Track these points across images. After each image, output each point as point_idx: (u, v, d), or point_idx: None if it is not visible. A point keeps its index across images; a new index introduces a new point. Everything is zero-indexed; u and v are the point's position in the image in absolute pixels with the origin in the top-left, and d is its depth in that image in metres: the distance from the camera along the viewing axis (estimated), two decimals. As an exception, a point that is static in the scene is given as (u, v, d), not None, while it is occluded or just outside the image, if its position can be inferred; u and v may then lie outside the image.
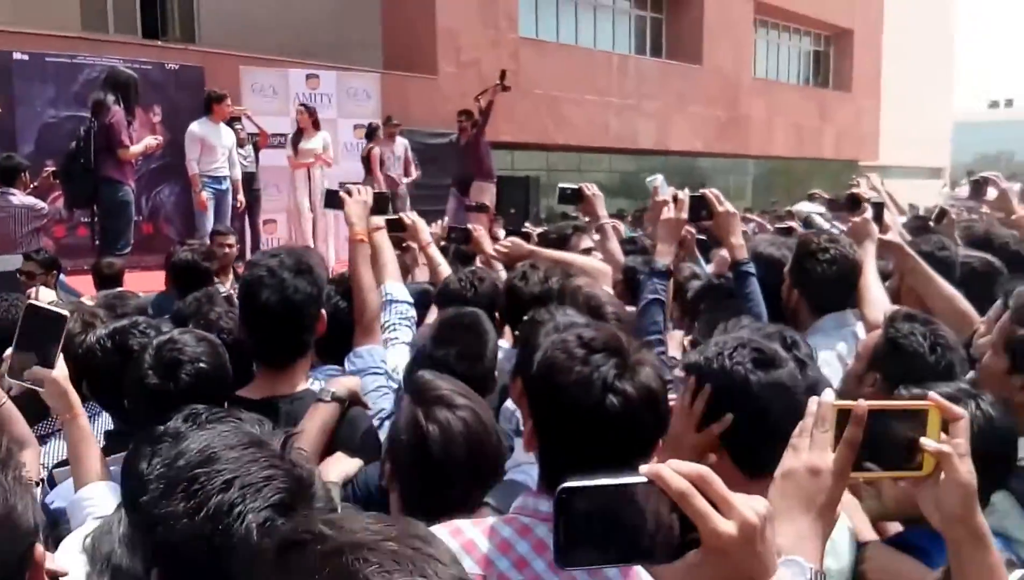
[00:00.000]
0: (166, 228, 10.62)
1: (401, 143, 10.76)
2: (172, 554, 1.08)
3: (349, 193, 2.96)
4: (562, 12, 18.40)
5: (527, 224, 10.39)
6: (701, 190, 3.03)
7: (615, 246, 3.88)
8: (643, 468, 0.87)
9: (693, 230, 4.29)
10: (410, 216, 3.64)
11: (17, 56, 9.54)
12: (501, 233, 10.11)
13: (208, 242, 6.83)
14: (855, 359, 2.36)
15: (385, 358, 2.51)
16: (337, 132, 11.39)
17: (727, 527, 0.86)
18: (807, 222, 5.69)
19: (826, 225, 4.95)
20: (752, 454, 1.53)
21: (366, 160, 10.49)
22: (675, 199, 2.92)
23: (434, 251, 3.56)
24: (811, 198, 8.49)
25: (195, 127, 8.66)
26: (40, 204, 7.47)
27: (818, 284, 2.85)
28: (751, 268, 2.91)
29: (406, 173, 10.78)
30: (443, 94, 13.74)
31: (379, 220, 3.02)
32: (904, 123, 26.83)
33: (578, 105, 17.08)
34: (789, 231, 5.25)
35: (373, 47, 14.58)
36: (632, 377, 1.40)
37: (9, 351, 1.90)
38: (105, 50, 10.78)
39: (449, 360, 2.11)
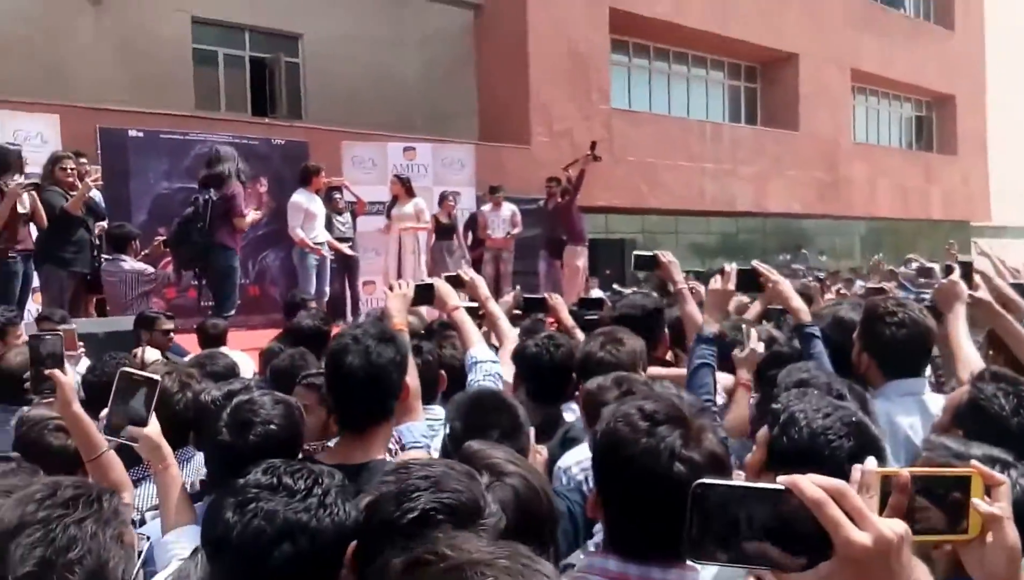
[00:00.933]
0: (271, 290, 10.80)
1: (509, 208, 11.01)
2: None
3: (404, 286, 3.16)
4: (655, 84, 18.42)
5: (615, 285, 10.20)
6: (752, 263, 3.09)
7: (693, 309, 3.73)
8: (781, 478, 0.87)
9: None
10: (468, 273, 3.59)
11: (132, 133, 9.95)
12: (597, 292, 9.80)
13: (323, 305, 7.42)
14: (943, 412, 2.28)
15: (424, 433, 2.53)
16: (434, 200, 11.45)
17: (862, 537, 0.85)
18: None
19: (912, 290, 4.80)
20: None
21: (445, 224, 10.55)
22: (722, 271, 3.01)
23: (493, 306, 3.49)
24: (907, 263, 8.42)
25: (299, 197, 8.94)
26: (149, 269, 7.60)
27: (887, 348, 2.73)
28: (815, 330, 2.93)
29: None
30: (536, 162, 13.72)
31: (456, 300, 3.18)
32: (1018, 183, 25.47)
33: (673, 171, 16.89)
34: (880, 292, 5.10)
35: (469, 118, 14.80)
36: (697, 445, 1.43)
37: (105, 411, 2.03)
38: (216, 127, 11.20)
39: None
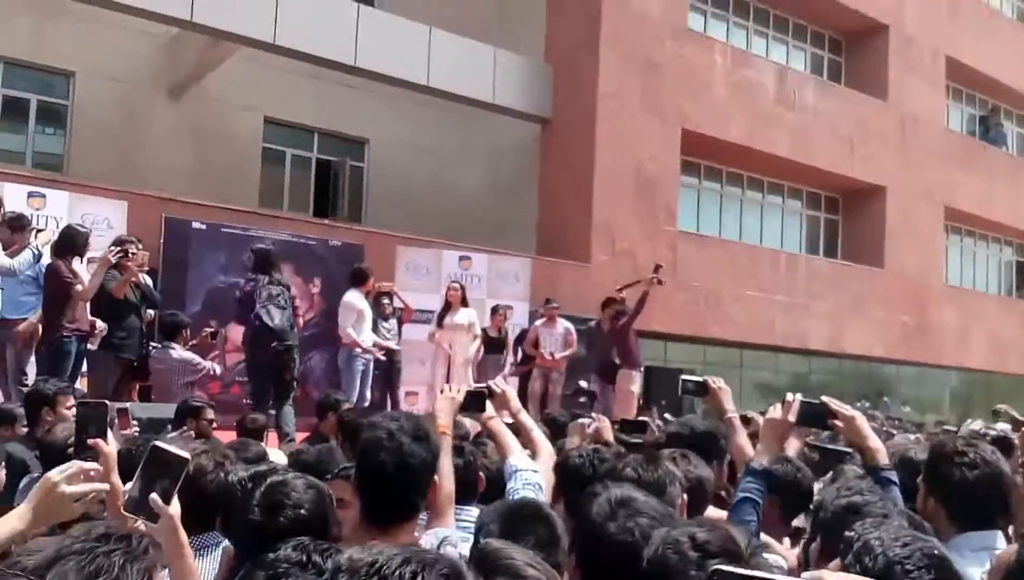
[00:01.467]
0: (314, 392, 11.58)
1: (563, 325, 11.47)
2: None
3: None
4: (726, 209, 18.96)
5: (666, 415, 10.56)
6: (821, 398, 3.11)
7: (743, 440, 3.86)
8: (805, 574, 0.97)
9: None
10: (499, 385, 3.74)
11: (196, 225, 11.17)
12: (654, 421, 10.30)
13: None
14: (989, 575, 2.25)
15: (459, 536, 2.70)
16: (486, 312, 12.20)
17: None
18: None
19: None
20: None
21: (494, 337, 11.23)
22: (783, 401, 3.08)
23: (524, 417, 3.66)
24: (996, 415, 8.19)
25: (352, 298, 9.79)
26: (197, 359, 8.55)
27: (955, 492, 2.66)
28: (892, 475, 2.93)
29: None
30: (594, 281, 14.35)
31: (492, 410, 3.48)
32: None
33: (739, 300, 17.27)
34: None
35: (527, 232, 15.70)
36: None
37: (129, 485, 2.09)
38: (277, 225, 12.38)
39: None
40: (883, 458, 2.98)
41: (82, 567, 1.40)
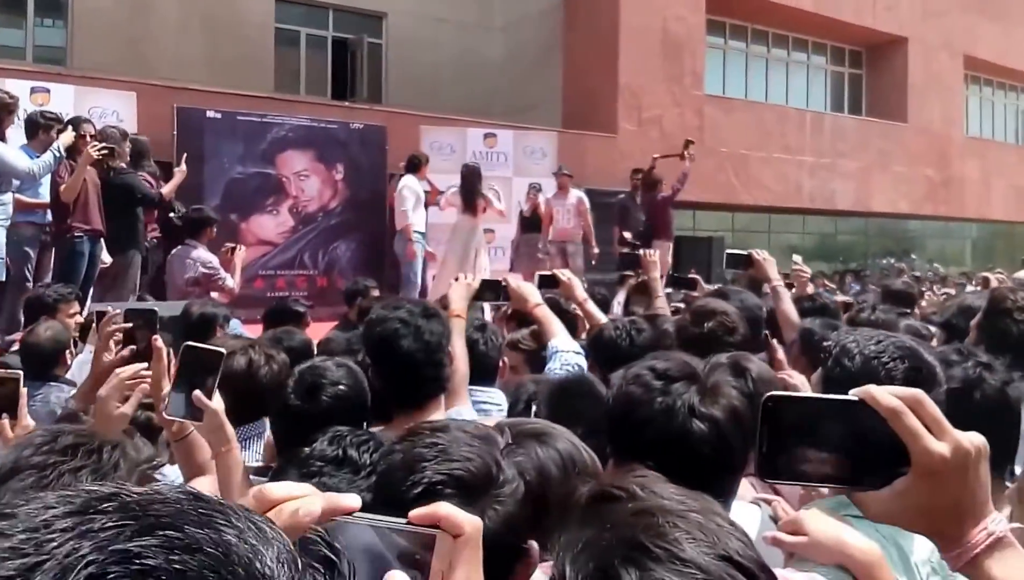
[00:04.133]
0: (340, 282, 10.64)
1: (575, 194, 10.44)
2: None
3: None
4: (751, 69, 17.63)
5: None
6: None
7: (789, 307, 3.76)
8: (855, 390, 0.86)
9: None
10: (565, 273, 3.69)
11: (210, 114, 9.91)
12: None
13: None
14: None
15: (473, 415, 2.57)
16: (512, 190, 11.20)
17: (940, 447, 0.84)
18: None
19: None
20: None
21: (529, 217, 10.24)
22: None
23: (592, 307, 3.55)
24: None
25: (411, 181, 8.89)
26: (213, 261, 7.48)
27: (1008, 343, 2.59)
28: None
29: (584, 229, 10.35)
30: (621, 152, 13.30)
31: (539, 298, 3.31)
32: None
33: (767, 164, 16.12)
34: None
35: (553, 106, 14.44)
36: (714, 401, 1.41)
37: (168, 389, 1.99)
38: (295, 110, 11.13)
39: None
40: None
41: (43, 486, 1.16)
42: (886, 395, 0.83)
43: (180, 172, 7.52)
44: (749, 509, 1.74)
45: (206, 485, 2.15)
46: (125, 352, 2.65)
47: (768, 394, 0.85)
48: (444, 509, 0.71)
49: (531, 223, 10.29)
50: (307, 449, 1.46)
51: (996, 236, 20.94)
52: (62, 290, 4.69)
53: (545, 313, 3.26)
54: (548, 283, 3.71)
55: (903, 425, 0.83)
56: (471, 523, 0.71)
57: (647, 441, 1.38)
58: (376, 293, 6.24)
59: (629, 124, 14.24)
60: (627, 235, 10.63)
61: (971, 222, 20.55)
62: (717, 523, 0.84)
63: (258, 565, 0.48)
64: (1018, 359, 2.38)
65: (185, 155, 7.93)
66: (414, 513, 0.70)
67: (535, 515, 1.26)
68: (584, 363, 3.01)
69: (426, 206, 9.80)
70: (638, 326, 3.03)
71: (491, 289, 3.37)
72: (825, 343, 1.74)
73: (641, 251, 4.32)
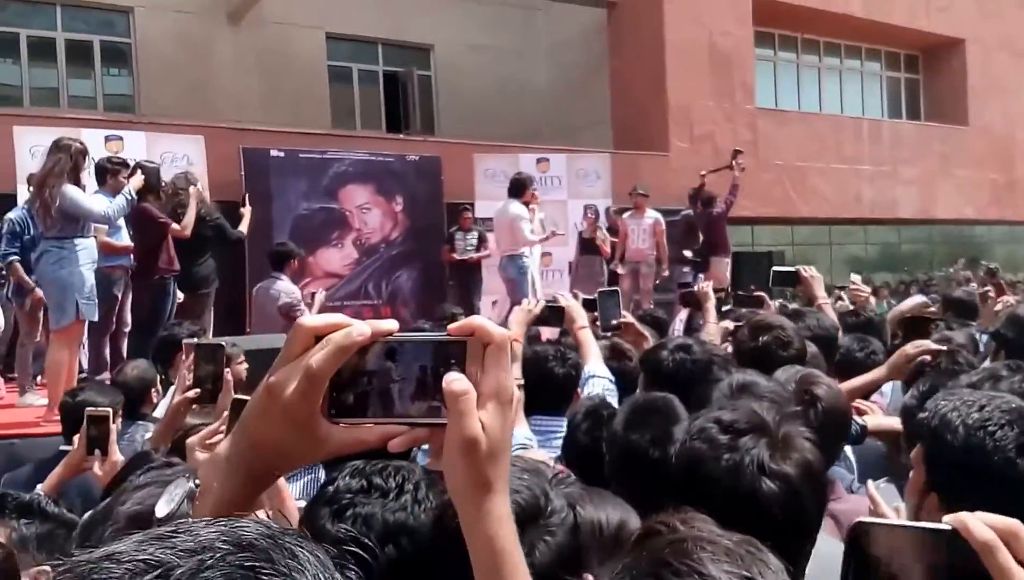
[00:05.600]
0: (403, 311, 11.45)
1: (651, 215, 10.81)
2: None
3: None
4: (803, 79, 18.24)
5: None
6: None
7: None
8: (948, 517, 0.82)
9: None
10: (567, 298, 3.71)
11: (274, 153, 10.86)
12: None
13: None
14: None
15: (528, 435, 2.71)
16: (567, 213, 11.83)
17: None
18: None
19: None
20: None
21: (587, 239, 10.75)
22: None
23: (585, 335, 3.53)
24: None
25: (518, 209, 9.18)
26: (296, 291, 8.32)
27: None
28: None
29: (658, 250, 10.77)
30: (674, 170, 13.92)
31: (585, 321, 3.52)
32: None
33: (824, 175, 16.68)
34: None
35: (603, 126, 15.14)
36: (786, 456, 1.37)
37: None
38: (353, 144, 12.04)
39: (643, 444, 2.14)
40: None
41: None
42: (979, 526, 0.79)
43: (247, 211, 8.27)
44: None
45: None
46: (190, 394, 2.83)
47: (856, 520, 0.83)
48: (477, 321, 0.83)
49: (589, 245, 10.85)
50: (330, 488, 1.47)
51: None
52: (193, 329, 5.10)
53: (587, 336, 3.45)
54: (555, 317, 3.69)
55: (994, 562, 0.79)
56: (499, 332, 0.83)
57: (713, 501, 1.30)
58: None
59: (681, 141, 14.88)
60: (687, 253, 11.09)
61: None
62: (749, 551, 0.91)
63: None
64: None
65: (247, 194, 8.71)
66: (452, 326, 0.83)
67: (586, 547, 1.30)
68: (615, 391, 3.14)
69: (480, 236, 10.41)
70: (692, 354, 2.99)
71: (555, 315, 3.54)
72: (921, 415, 1.62)
73: (698, 279, 4.51)
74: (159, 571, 0.54)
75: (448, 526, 1.26)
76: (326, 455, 0.88)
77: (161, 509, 0.94)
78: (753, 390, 2.10)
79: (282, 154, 10.94)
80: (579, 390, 3.10)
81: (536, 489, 1.28)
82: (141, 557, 0.55)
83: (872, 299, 6.48)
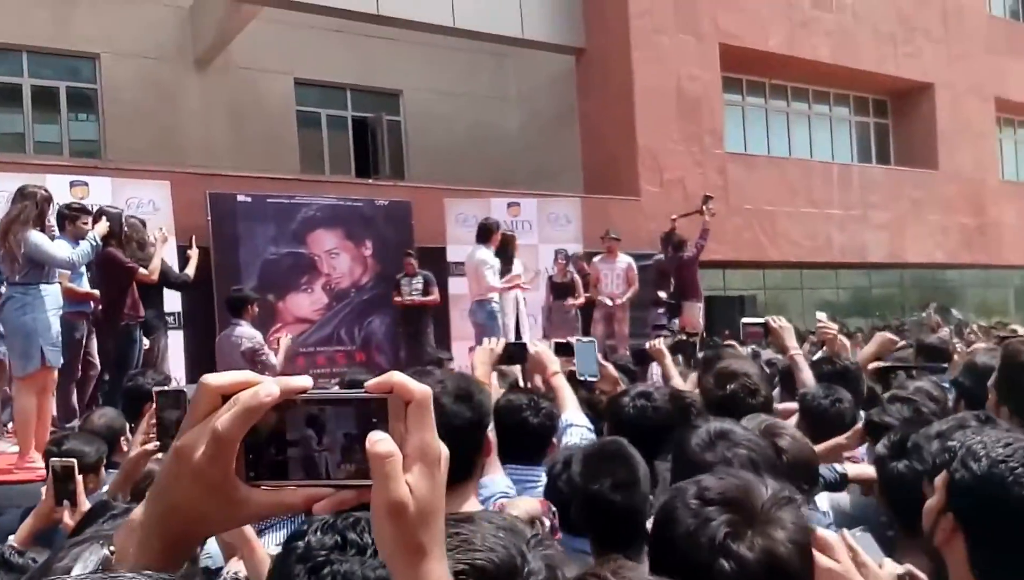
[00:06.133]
0: (376, 356, 11.59)
1: (624, 259, 11.14)
2: None
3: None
4: (772, 124, 18.64)
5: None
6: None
7: (807, 377, 3.95)
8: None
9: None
10: (534, 345, 3.73)
11: (241, 198, 11.04)
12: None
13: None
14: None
15: (510, 485, 2.73)
16: (538, 258, 12.05)
17: None
18: None
19: None
20: (998, 569, 1.59)
21: (559, 283, 10.97)
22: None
23: (560, 381, 3.52)
24: None
25: (485, 254, 9.49)
26: (258, 336, 8.44)
27: None
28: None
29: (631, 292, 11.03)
30: (646, 214, 14.23)
31: (557, 366, 3.53)
32: None
33: (795, 219, 17.02)
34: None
35: (573, 171, 15.43)
36: (752, 538, 1.34)
37: None
38: (321, 189, 12.24)
39: (604, 492, 2.20)
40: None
41: None
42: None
43: (194, 253, 8.35)
44: None
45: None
46: (150, 446, 2.92)
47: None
48: (396, 377, 0.82)
49: (561, 289, 11.07)
50: (300, 543, 1.41)
51: None
52: (156, 377, 5.09)
53: (561, 382, 3.43)
54: (517, 355, 3.75)
55: None
56: (420, 389, 0.82)
57: (675, 562, 1.35)
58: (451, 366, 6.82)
59: (652, 186, 15.21)
60: (661, 295, 11.34)
61: (1012, 269, 21.14)
62: None
63: None
64: None
65: (193, 236, 8.77)
66: (369, 383, 0.82)
67: None
68: (592, 436, 3.17)
69: (426, 281, 10.48)
70: (655, 404, 3.10)
71: (517, 353, 3.57)
72: (950, 443, 1.76)
73: (673, 323, 4.53)
74: None
75: None
76: (247, 519, 0.86)
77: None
78: (730, 437, 2.12)
79: (249, 199, 11.11)
80: (557, 439, 3.11)
81: (512, 548, 1.25)
82: None
83: (847, 344, 6.67)
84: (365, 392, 0.82)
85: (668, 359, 4.89)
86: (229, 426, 0.78)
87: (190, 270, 8.36)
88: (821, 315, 5.65)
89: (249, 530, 2.03)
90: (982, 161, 20.33)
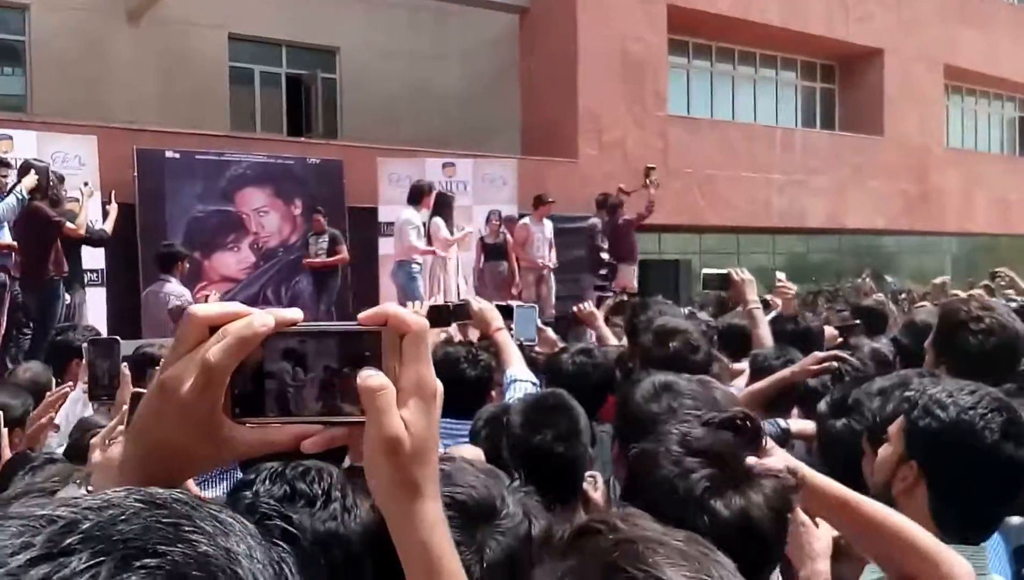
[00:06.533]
0: (308, 314, 11.70)
1: (549, 225, 11.45)
2: None
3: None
4: (717, 87, 18.73)
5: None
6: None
7: (764, 332, 3.90)
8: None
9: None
10: (478, 302, 3.68)
11: (169, 154, 11.16)
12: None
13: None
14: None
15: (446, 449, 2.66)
16: (473, 219, 12.19)
17: None
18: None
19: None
20: (960, 516, 1.63)
21: (492, 244, 11.21)
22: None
23: (503, 337, 3.49)
24: (994, 277, 8.39)
25: (410, 214, 9.76)
26: (186, 293, 8.61)
27: (970, 360, 2.62)
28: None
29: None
30: (583, 177, 14.32)
31: (501, 322, 3.48)
32: None
33: (735, 183, 17.12)
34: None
35: (512, 133, 15.54)
36: (731, 497, 1.33)
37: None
38: (251, 147, 12.35)
39: (547, 443, 2.20)
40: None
41: None
42: None
43: (112, 209, 8.50)
44: None
45: None
46: (66, 388, 2.97)
47: None
48: (392, 308, 0.78)
49: (494, 250, 11.32)
50: (247, 493, 1.40)
51: (977, 250, 21.81)
52: (87, 334, 4.98)
53: (505, 338, 3.39)
54: (460, 315, 3.80)
55: None
56: (417, 321, 0.78)
57: (647, 507, 1.28)
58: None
59: (590, 149, 15.31)
60: (604, 256, 11.60)
61: (951, 236, 21.52)
62: (701, 551, 0.89)
63: (238, 570, 0.51)
64: (984, 377, 2.33)
65: (113, 192, 8.94)
66: (362, 315, 0.78)
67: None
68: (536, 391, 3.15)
69: (333, 239, 10.82)
70: (594, 361, 3.20)
71: (440, 314, 3.64)
72: (908, 393, 1.75)
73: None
74: (62, 524, 0.50)
75: (381, 534, 1.16)
76: (232, 458, 0.83)
77: None
78: (675, 388, 2.14)
79: (177, 155, 11.24)
80: (504, 395, 3.12)
81: (493, 489, 1.27)
82: (40, 513, 0.51)
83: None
84: (358, 324, 0.80)
85: (600, 321, 4.94)
86: (220, 356, 0.74)
87: (108, 226, 8.52)
88: (781, 275, 5.58)
89: (191, 483, 1.86)
90: (928, 128, 20.53)
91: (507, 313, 3.89)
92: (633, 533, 0.93)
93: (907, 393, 1.77)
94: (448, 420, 2.88)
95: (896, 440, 1.70)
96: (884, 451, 1.74)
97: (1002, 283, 7.81)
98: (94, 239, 8.44)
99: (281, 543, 0.72)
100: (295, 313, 0.80)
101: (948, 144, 21.73)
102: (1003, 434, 1.62)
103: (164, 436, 0.77)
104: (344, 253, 10.78)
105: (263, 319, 0.76)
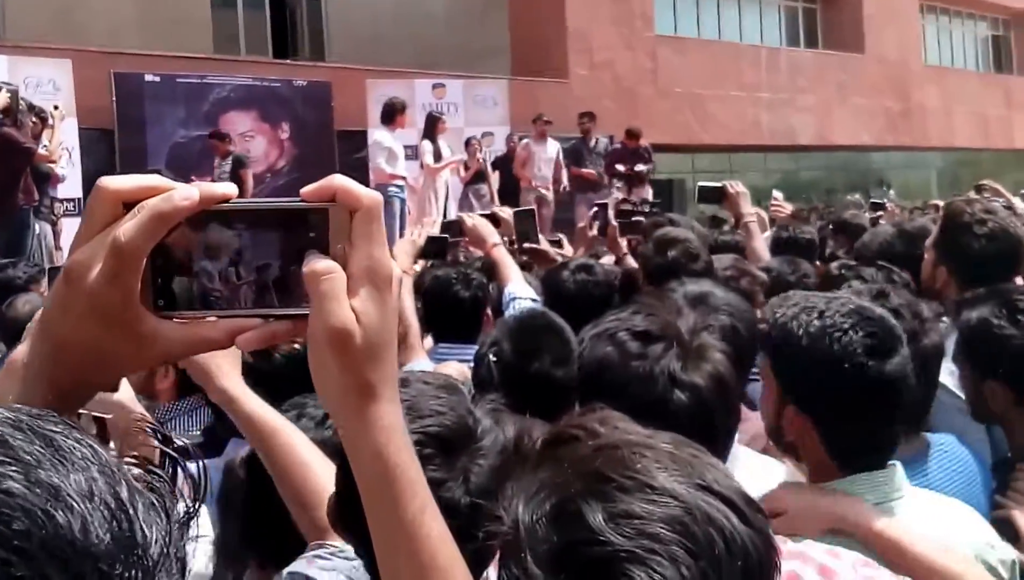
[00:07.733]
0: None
1: (554, 145, 10.75)
2: None
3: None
4: (703, 7, 17.98)
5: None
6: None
7: (759, 244, 3.74)
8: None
9: None
10: (471, 217, 3.52)
11: (149, 78, 10.12)
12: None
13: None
14: None
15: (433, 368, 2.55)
16: (464, 139, 11.46)
17: None
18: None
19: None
20: (853, 447, 1.45)
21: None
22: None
23: (500, 253, 3.30)
24: (979, 190, 8.40)
25: (381, 136, 9.02)
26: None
27: (972, 261, 2.49)
28: None
29: (555, 180, 10.64)
30: (574, 97, 13.57)
31: (496, 237, 3.30)
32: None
33: (724, 102, 16.50)
34: None
35: (501, 53, 14.69)
36: (697, 365, 1.31)
37: None
38: (235, 70, 11.34)
39: (545, 370, 1.99)
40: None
41: None
42: None
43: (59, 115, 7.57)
44: (775, 465, 1.76)
45: None
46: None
47: None
48: (338, 180, 0.65)
49: (477, 172, 10.52)
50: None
51: (961, 165, 21.32)
52: (29, 269, 4.60)
53: (502, 254, 3.23)
54: (455, 232, 3.62)
55: None
56: (369, 195, 0.65)
57: (620, 408, 1.19)
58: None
59: (581, 69, 14.55)
60: (620, 168, 11.03)
61: (935, 151, 21.08)
62: (691, 454, 0.78)
63: (56, 514, 0.39)
64: (977, 277, 2.38)
65: (57, 106, 7.84)
66: (306, 189, 0.65)
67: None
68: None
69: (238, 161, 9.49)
70: (595, 277, 2.97)
71: (437, 243, 3.39)
72: (761, 327, 1.62)
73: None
74: None
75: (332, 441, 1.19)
76: (157, 358, 0.67)
77: None
78: (709, 301, 1.97)
79: (158, 79, 10.24)
80: (504, 313, 2.88)
81: (460, 409, 1.15)
82: None
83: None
84: (301, 201, 0.64)
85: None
86: (133, 234, 0.59)
87: (52, 142, 7.62)
88: (777, 194, 5.46)
89: (124, 391, 1.38)
90: (906, 45, 20.02)
91: (528, 216, 3.81)
92: (615, 437, 0.79)
93: (760, 327, 1.65)
94: (447, 345, 2.79)
95: (768, 379, 1.52)
96: (764, 390, 1.56)
97: (987, 196, 7.54)
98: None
99: (158, 473, 0.46)
100: (228, 187, 0.64)
101: (927, 61, 21.21)
102: (867, 351, 1.42)
103: (72, 332, 0.63)
104: (248, 180, 9.18)
105: (187, 192, 0.61)
